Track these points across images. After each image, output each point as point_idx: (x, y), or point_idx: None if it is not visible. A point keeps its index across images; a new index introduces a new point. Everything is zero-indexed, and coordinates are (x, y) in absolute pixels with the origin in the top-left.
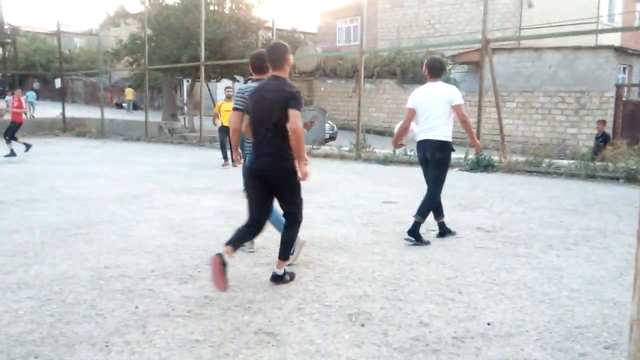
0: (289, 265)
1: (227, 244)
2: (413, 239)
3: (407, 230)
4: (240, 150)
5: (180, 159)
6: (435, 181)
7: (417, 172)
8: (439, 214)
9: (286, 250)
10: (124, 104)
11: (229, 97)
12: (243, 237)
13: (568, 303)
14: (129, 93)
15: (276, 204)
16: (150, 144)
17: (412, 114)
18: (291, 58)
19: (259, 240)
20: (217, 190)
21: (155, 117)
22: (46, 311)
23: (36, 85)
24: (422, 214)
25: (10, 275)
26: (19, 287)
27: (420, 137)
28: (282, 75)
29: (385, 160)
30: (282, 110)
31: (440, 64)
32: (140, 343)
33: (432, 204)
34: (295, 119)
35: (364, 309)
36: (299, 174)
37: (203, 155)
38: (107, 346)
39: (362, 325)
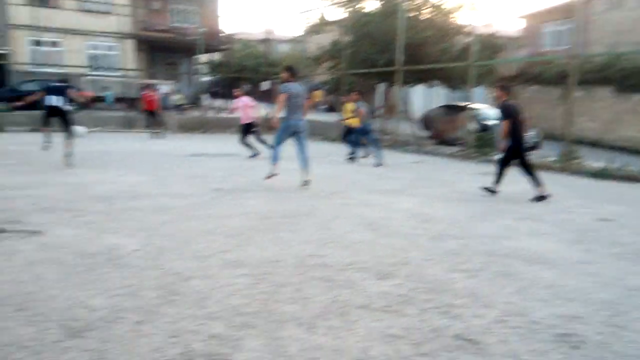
0: None
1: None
2: None
3: None
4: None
5: (371, 160)
6: None
7: (638, 189)
8: None
9: None
10: (321, 107)
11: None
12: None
13: None
14: (317, 95)
15: None
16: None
17: None
18: None
19: (454, 246)
20: (410, 193)
21: None
22: (259, 289)
23: (246, 87)
24: None
25: (228, 253)
26: (236, 265)
27: None
28: None
29: (598, 174)
30: None
31: None
32: (342, 330)
33: None
34: None
35: (577, 331)
36: None
37: (396, 159)
38: (312, 328)
39: (575, 347)
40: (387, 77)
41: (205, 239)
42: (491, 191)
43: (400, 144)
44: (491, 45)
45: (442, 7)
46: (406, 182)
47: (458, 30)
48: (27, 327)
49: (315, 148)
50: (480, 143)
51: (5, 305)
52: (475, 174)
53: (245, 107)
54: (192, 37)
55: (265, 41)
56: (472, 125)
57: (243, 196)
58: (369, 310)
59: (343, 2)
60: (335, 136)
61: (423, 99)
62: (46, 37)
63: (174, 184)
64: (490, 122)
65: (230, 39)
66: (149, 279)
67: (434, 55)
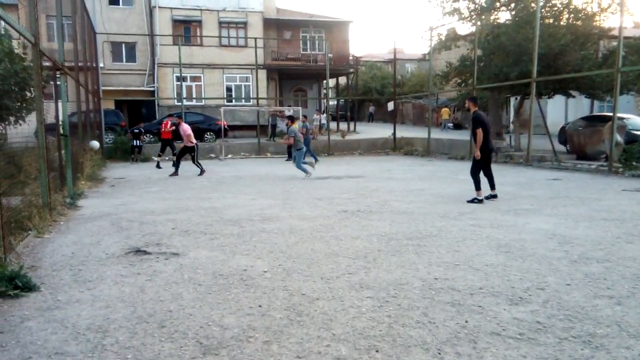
0: None
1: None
2: None
3: None
4: None
5: (504, 179)
6: None
7: None
8: None
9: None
10: (448, 125)
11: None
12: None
13: None
14: (445, 113)
15: None
16: None
17: None
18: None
19: (598, 270)
20: (547, 212)
21: None
22: (384, 312)
23: (371, 109)
24: None
25: (354, 275)
26: (361, 287)
27: None
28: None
29: None
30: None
31: None
32: (472, 357)
33: None
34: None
35: None
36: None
37: (530, 176)
38: (439, 354)
39: None
40: (521, 90)
41: (331, 260)
42: (479, 200)
43: (535, 160)
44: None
45: (585, 10)
46: (542, 201)
47: (602, 34)
48: (167, 343)
49: (443, 167)
50: (628, 156)
51: (148, 323)
52: (623, 190)
53: (186, 133)
54: (321, 63)
55: (392, 61)
56: (619, 137)
57: (368, 217)
58: (501, 337)
59: (474, 15)
60: (464, 154)
61: (562, 111)
62: (189, 72)
63: (300, 207)
64: None
65: (357, 61)
66: (277, 300)
67: (574, 64)
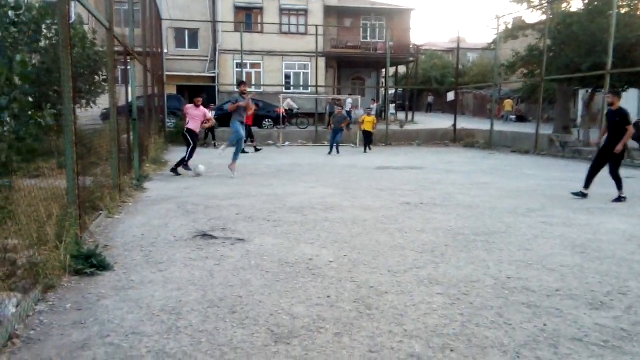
0: None
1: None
2: None
3: None
4: None
5: (574, 175)
6: None
7: None
8: None
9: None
10: (511, 117)
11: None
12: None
13: None
14: (507, 104)
15: None
16: (540, 157)
17: None
18: None
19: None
20: (623, 213)
21: (545, 130)
22: (457, 310)
23: (430, 99)
24: None
25: (421, 270)
26: (431, 282)
27: None
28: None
29: None
30: None
31: None
32: None
33: None
34: None
35: None
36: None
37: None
38: (518, 357)
39: None
40: (592, 82)
41: (397, 253)
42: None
43: None
44: None
45: None
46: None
47: None
48: (239, 329)
49: (506, 161)
50: None
51: (219, 307)
52: None
53: (197, 117)
54: (380, 51)
55: (452, 50)
56: None
57: (432, 210)
58: (583, 343)
59: (544, 3)
60: (529, 148)
61: (635, 105)
62: (249, 59)
63: (362, 197)
64: None
65: (417, 50)
66: (345, 291)
67: None
